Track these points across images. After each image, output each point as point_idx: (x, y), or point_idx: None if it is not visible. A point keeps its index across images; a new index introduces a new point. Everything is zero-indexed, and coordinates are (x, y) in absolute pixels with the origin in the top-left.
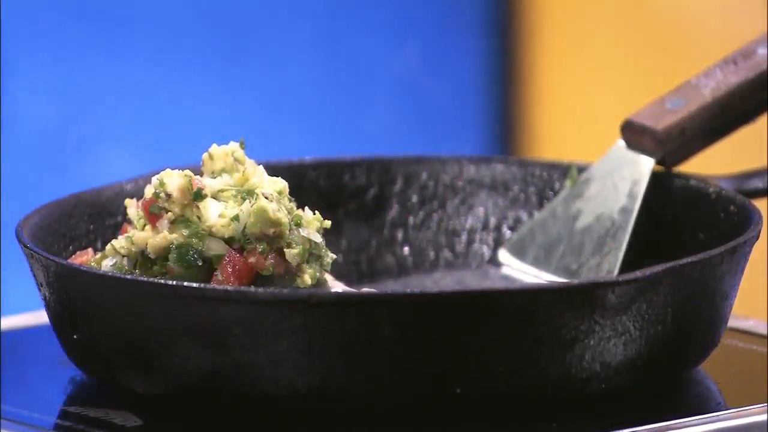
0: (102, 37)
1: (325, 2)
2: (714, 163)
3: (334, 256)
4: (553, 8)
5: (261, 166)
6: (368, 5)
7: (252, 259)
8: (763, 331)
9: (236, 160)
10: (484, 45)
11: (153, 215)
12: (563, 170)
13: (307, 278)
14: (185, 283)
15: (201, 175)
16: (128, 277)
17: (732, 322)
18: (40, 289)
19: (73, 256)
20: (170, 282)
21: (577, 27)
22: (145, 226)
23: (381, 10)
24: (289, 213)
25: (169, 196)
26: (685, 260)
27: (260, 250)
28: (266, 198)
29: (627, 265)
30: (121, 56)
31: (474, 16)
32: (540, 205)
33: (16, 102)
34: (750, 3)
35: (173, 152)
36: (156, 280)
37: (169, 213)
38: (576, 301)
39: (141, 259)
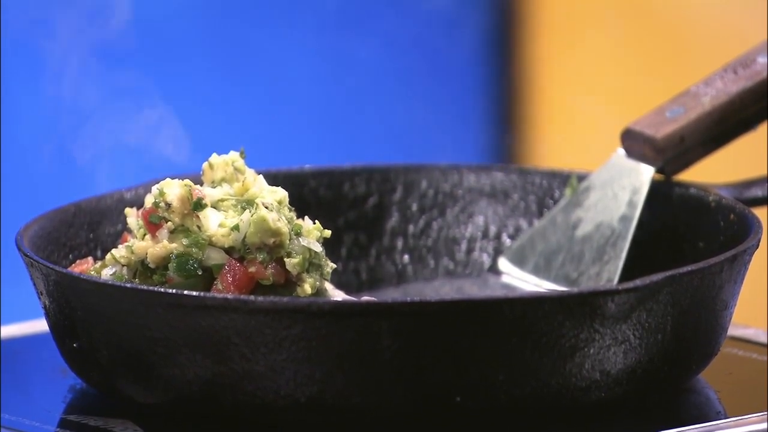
0: (103, 41)
1: (324, 10)
2: (714, 171)
3: (334, 265)
4: (553, 16)
5: (261, 176)
6: (368, 13)
7: (252, 269)
8: (763, 339)
9: (236, 169)
10: (484, 54)
11: (153, 225)
12: (563, 179)
13: (308, 287)
14: (185, 292)
15: (201, 185)
16: (128, 285)
17: (732, 331)
18: (40, 298)
19: (73, 264)
20: (170, 291)
21: (577, 35)
22: (145, 235)
23: (380, 19)
24: (289, 222)
25: (169, 205)
26: (684, 269)
27: (260, 259)
28: (266, 207)
29: (627, 274)
30: (123, 63)
31: (473, 25)
32: (540, 213)
33: (15, 109)
34: (751, 9)
35: (173, 161)
36: (156, 289)
37: (169, 222)
38: (576, 309)
39: (141, 268)
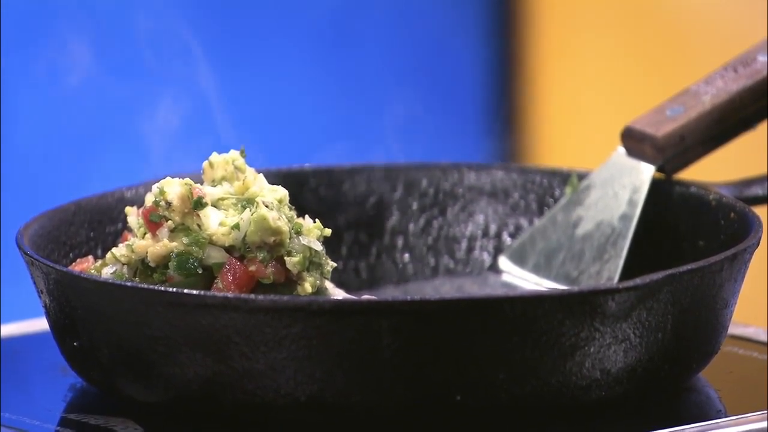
0: (103, 42)
1: (324, 9)
2: (714, 170)
3: (335, 264)
4: (554, 15)
5: (261, 174)
6: (369, 13)
7: (252, 268)
8: (763, 338)
9: (236, 168)
10: (485, 52)
11: (153, 223)
12: (563, 177)
13: (308, 286)
14: (185, 291)
15: (201, 184)
16: (128, 284)
17: (732, 330)
18: (40, 297)
19: (74, 263)
20: (170, 289)
21: (578, 35)
22: (145, 234)
23: (381, 18)
24: (289, 221)
25: (169, 204)
26: (685, 267)
27: (260, 258)
28: (266, 206)
29: (627, 272)
30: (122, 61)
31: (474, 23)
32: (540, 212)
33: (15, 109)
34: (751, 8)
35: (173, 160)
36: (156, 288)
37: (170, 221)
38: (576, 308)
39: (141, 267)
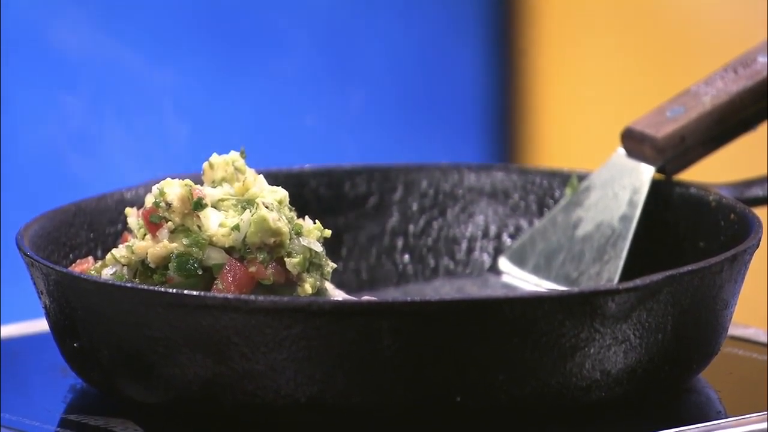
0: (103, 43)
1: (324, 10)
2: (714, 171)
3: (335, 265)
4: (553, 16)
5: (261, 175)
6: (369, 13)
7: (252, 269)
8: (763, 339)
9: (237, 169)
10: (485, 53)
11: (153, 224)
12: (563, 178)
13: (308, 287)
14: (185, 292)
15: (201, 185)
16: (128, 285)
17: (732, 330)
18: (40, 297)
19: (74, 264)
20: (170, 290)
21: (578, 35)
22: (145, 235)
23: (382, 18)
24: (289, 222)
25: (169, 205)
26: (685, 268)
27: (261, 259)
28: (266, 207)
29: (627, 273)
30: (123, 64)
31: (475, 25)
32: (540, 213)
33: (15, 109)
34: (751, 8)
35: (173, 161)
36: (156, 289)
37: (170, 222)
38: (576, 309)
39: (141, 268)
